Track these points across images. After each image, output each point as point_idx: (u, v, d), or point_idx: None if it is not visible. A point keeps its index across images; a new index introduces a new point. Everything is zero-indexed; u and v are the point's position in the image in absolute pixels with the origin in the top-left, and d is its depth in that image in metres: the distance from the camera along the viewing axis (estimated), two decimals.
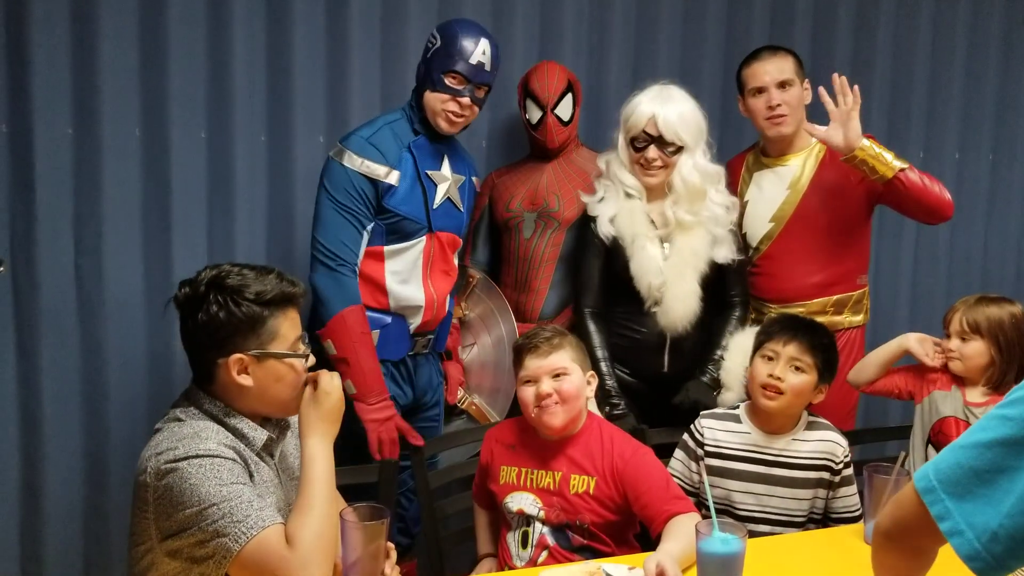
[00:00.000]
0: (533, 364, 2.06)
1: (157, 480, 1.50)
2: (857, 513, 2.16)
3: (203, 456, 1.50)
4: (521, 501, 2.06)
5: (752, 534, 1.96)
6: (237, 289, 1.58)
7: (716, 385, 2.53)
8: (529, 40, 3.02)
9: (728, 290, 2.62)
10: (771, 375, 2.13)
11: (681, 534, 1.80)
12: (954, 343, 2.36)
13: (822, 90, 2.52)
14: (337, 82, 2.81)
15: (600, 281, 2.60)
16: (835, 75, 2.51)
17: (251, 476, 1.57)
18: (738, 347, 2.50)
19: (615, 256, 2.52)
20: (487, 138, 3.03)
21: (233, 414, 1.62)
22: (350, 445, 2.13)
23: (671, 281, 2.44)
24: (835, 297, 2.73)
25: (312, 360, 1.68)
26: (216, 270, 1.62)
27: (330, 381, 1.62)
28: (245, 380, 1.60)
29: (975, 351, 2.33)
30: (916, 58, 3.47)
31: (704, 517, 1.81)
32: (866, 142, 2.49)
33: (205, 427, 1.57)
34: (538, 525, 2.04)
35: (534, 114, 2.77)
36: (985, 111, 3.60)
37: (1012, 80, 3.62)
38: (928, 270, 3.62)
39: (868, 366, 2.50)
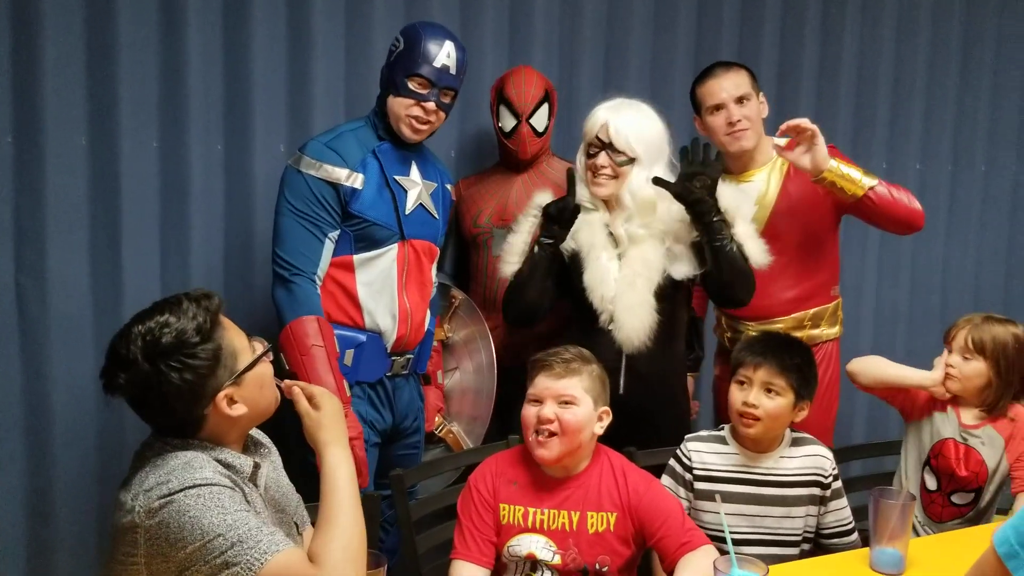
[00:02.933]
0: (542, 384, 1.95)
1: (149, 519, 1.37)
2: (850, 526, 2.15)
3: (201, 485, 1.38)
4: (531, 544, 1.92)
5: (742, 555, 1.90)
6: (179, 342, 1.45)
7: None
8: (499, 46, 2.95)
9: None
10: (745, 402, 2.09)
11: (696, 573, 1.71)
12: (954, 359, 2.31)
13: (776, 143, 2.48)
14: (299, 88, 2.70)
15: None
16: (781, 127, 2.45)
17: (250, 505, 1.46)
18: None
19: (573, 271, 2.41)
20: (456, 148, 2.94)
21: (212, 447, 1.50)
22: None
23: (622, 293, 2.34)
24: (812, 311, 2.70)
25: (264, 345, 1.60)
26: (133, 339, 1.45)
27: (318, 388, 1.59)
28: (239, 410, 1.51)
29: (975, 371, 2.29)
30: (880, 68, 3.51)
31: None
32: (834, 163, 2.46)
33: (195, 456, 1.44)
34: (547, 573, 1.92)
35: (508, 122, 2.69)
36: (945, 123, 3.65)
37: (970, 93, 3.68)
38: (892, 281, 3.65)
39: (882, 376, 2.40)
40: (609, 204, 2.41)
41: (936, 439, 2.33)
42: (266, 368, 1.56)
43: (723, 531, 2.06)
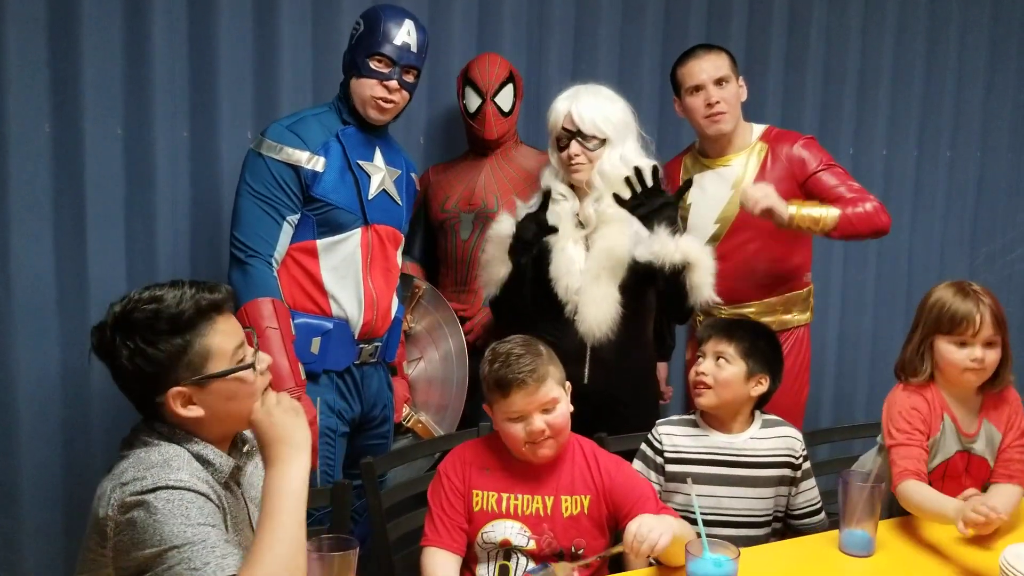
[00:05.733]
0: (522, 402, 1.87)
1: (120, 513, 1.34)
2: (818, 506, 2.17)
3: (173, 488, 1.35)
4: (506, 530, 1.91)
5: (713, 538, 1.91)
6: (146, 324, 1.39)
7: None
8: (467, 34, 2.93)
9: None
10: (697, 371, 2.14)
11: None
12: (979, 352, 2.02)
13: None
14: (265, 74, 2.67)
15: None
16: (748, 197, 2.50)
17: (225, 513, 1.43)
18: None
19: (539, 261, 2.41)
20: (424, 134, 2.93)
21: (195, 440, 1.46)
22: None
23: (586, 285, 2.34)
24: (784, 296, 2.73)
25: (269, 360, 1.53)
26: (122, 304, 1.42)
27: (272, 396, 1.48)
28: (194, 411, 1.43)
29: (998, 353, 2.06)
30: (847, 56, 3.53)
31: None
32: (793, 209, 2.49)
33: (176, 454, 1.41)
34: (522, 559, 1.91)
35: (472, 102, 2.71)
36: (911, 109, 3.68)
37: (935, 80, 3.72)
38: (859, 265, 3.68)
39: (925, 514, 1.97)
40: (581, 192, 2.41)
41: (940, 460, 2.11)
42: (241, 386, 1.46)
43: (693, 514, 2.09)
